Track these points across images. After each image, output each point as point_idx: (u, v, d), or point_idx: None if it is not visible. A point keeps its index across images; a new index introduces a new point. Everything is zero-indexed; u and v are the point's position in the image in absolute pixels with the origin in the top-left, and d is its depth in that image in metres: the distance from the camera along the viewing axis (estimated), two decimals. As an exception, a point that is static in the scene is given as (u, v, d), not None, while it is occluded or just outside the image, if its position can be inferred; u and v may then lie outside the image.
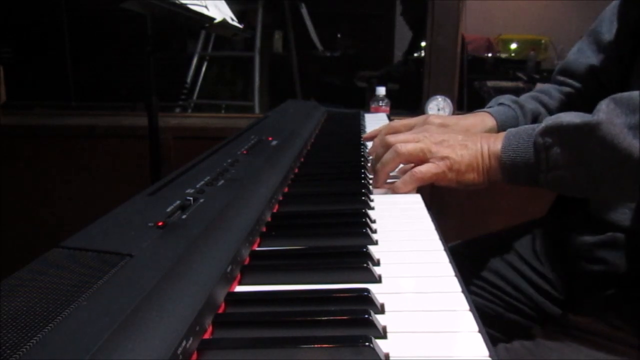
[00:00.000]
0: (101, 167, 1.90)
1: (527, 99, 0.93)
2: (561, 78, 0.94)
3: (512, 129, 0.68)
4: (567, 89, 0.93)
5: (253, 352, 0.35)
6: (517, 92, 1.78)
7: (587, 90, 0.90)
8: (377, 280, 0.47)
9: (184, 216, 0.48)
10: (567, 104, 0.91)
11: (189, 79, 2.55)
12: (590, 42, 0.89)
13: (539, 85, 0.97)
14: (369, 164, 0.82)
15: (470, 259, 0.90)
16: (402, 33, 2.90)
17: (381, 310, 0.42)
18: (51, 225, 1.83)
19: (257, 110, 2.44)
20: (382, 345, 0.36)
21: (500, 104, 0.92)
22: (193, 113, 2.48)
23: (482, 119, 0.89)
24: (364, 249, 0.51)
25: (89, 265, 0.37)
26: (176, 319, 0.34)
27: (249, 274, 0.48)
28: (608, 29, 0.85)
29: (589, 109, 0.65)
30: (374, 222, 0.62)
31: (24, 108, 2.21)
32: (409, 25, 2.64)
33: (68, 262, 0.37)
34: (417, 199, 0.72)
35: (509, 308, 0.85)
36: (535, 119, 0.90)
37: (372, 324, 0.38)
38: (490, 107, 0.93)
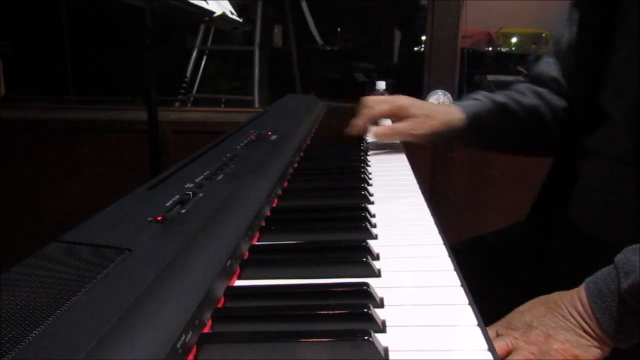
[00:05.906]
0: (100, 161, 1.89)
1: (498, 94, 0.95)
2: (534, 87, 0.97)
3: (591, 285, 0.59)
4: (542, 90, 0.96)
5: (252, 346, 0.35)
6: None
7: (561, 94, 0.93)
8: (377, 274, 0.47)
9: (183, 210, 0.47)
10: (542, 100, 0.93)
11: (188, 73, 2.54)
12: (552, 54, 0.94)
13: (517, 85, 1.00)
14: None
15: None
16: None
17: (380, 304, 0.42)
18: (50, 219, 1.83)
19: (256, 104, 2.43)
20: (381, 339, 0.36)
21: (474, 99, 0.95)
22: (192, 107, 2.47)
23: (447, 109, 0.92)
24: (364, 243, 0.51)
25: (87, 259, 0.37)
26: (175, 313, 0.34)
27: (248, 269, 0.48)
28: (562, 34, 0.90)
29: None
30: (373, 216, 0.62)
31: (24, 102, 2.20)
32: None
33: (67, 257, 0.37)
34: (416, 194, 0.72)
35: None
36: (506, 111, 0.91)
37: (371, 318, 0.38)
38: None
